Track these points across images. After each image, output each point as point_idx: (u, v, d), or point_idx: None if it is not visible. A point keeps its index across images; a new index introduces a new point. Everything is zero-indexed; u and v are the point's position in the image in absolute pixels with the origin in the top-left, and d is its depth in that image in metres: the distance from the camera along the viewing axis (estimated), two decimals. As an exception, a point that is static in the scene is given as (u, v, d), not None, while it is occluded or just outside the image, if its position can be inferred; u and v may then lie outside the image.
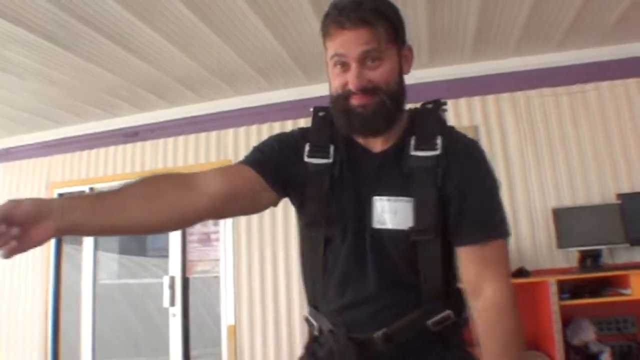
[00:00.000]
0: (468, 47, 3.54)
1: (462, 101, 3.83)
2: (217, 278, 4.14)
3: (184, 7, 2.79)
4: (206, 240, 4.26)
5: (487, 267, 1.16)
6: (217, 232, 4.20)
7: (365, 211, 1.19)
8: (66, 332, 4.62)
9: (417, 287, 1.19)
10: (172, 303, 4.18)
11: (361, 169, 1.23)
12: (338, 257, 1.22)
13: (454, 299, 1.23)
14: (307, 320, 1.33)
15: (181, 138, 4.45)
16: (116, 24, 2.93)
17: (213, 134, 4.33)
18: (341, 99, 1.18)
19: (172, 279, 4.22)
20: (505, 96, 3.80)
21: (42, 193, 4.99)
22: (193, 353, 4.18)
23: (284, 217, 3.98)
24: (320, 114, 1.30)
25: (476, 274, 1.17)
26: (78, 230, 1.00)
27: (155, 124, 4.47)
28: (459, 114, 3.81)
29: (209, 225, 4.27)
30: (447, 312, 1.19)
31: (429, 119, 1.24)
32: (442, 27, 3.25)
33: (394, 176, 1.20)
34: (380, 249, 1.19)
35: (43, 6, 2.71)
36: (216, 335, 4.07)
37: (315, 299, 1.30)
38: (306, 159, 1.25)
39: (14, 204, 0.90)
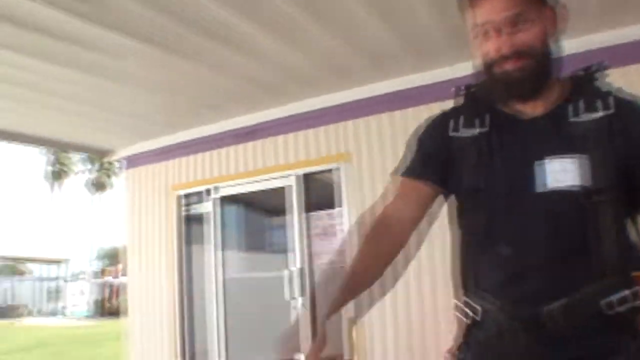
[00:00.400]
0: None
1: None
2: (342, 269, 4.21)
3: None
4: (330, 232, 4.35)
5: None
6: (341, 223, 4.27)
7: (530, 175, 1.17)
8: (196, 323, 4.98)
9: (589, 258, 1.13)
10: (294, 295, 4.31)
11: (518, 134, 1.22)
12: (501, 225, 1.20)
13: (631, 277, 1.16)
14: (465, 304, 1.30)
15: (300, 134, 4.55)
16: (220, 23, 3.00)
17: (331, 127, 4.38)
18: (494, 66, 1.20)
19: (293, 272, 4.35)
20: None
21: (163, 195, 5.35)
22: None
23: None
24: (461, 91, 1.33)
25: None
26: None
27: (271, 121, 4.61)
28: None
29: (333, 217, 4.36)
30: (626, 292, 1.13)
31: (595, 82, 1.23)
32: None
33: (559, 138, 1.18)
34: (549, 213, 1.16)
35: (147, 16, 2.85)
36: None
37: (476, 279, 1.27)
38: (452, 134, 1.29)
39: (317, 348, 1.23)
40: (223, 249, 4.98)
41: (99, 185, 35.09)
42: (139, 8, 2.76)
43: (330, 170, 4.40)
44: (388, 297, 3.86)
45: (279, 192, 4.63)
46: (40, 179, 36.93)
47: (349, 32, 3.25)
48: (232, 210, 5.21)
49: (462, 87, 1.34)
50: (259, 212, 5.26)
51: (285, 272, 4.42)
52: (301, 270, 4.36)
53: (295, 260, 4.42)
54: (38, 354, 12.42)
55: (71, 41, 3.09)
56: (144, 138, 5.37)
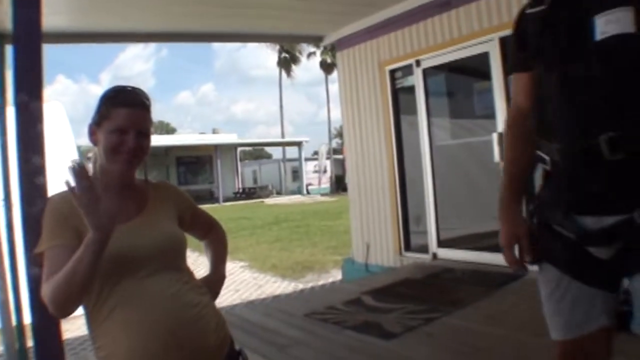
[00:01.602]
0: None
1: None
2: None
3: None
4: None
5: None
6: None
7: (590, 27, 1.36)
8: (412, 182, 5.67)
9: None
10: (503, 157, 4.58)
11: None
12: (570, 77, 1.41)
13: None
14: (539, 158, 1.53)
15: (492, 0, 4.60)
16: None
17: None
18: None
19: (500, 135, 4.59)
20: None
21: (372, 72, 5.90)
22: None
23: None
24: None
25: None
26: None
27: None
28: None
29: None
30: None
31: None
32: None
33: None
34: (611, 57, 1.34)
35: None
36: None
37: (551, 132, 1.49)
38: (527, 11, 1.53)
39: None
40: (430, 118, 5.42)
41: (327, 66, 37.46)
42: None
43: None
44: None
45: (481, 57, 4.80)
46: (274, 69, 40.50)
47: None
48: (438, 80, 5.55)
49: None
50: (463, 79, 5.51)
51: (494, 135, 4.68)
52: (500, 134, 4.56)
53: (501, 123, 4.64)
54: (285, 226, 14.77)
55: None
56: (350, 21, 5.89)
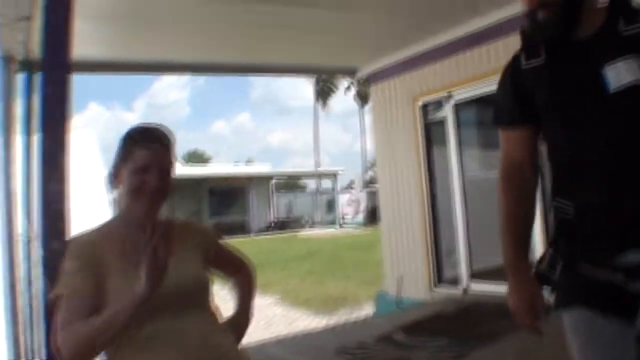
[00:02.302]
0: None
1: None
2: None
3: None
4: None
5: None
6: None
7: (600, 79, 1.43)
8: (444, 214, 5.76)
9: None
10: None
11: (580, 53, 1.49)
12: (583, 129, 1.47)
13: None
14: (556, 207, 1.57)
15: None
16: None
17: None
18: (530, 14, 1.50)
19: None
20: None
21: (405, 105, 6.05)
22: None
23: None
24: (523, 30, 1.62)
25: None
26: None
27: (496, 24, 4.81)
28: None
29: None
30: None
31: (629, 1, 1.50)
32: None
33: (614, 47, 1.44)
34: (623, 108, 1.42)
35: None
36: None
37: (565, 184, 1.55)
38: (524, 66, 1.58)
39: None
40: (461, 152, 5.56)
41: (363, 98, 38.02)
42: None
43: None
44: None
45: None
46: (310, 100, 41.39)
47: None
48: (469, 113, 5.68)
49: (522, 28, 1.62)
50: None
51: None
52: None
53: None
54: (317, 259, 14.77)
55: None
56: (382, 55, 6.10)
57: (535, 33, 1.55)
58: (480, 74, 5.17)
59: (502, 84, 1.68)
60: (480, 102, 5.48)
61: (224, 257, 1.72)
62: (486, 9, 4.80)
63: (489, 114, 5.40)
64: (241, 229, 26.94)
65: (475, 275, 5.43)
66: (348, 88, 39.99)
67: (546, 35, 1.53)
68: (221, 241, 1.74)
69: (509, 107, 1.65)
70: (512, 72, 1.64)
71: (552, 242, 1.62)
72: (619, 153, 1.43)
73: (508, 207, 1.66)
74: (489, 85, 5.14)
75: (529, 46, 1.60)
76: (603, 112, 1.45)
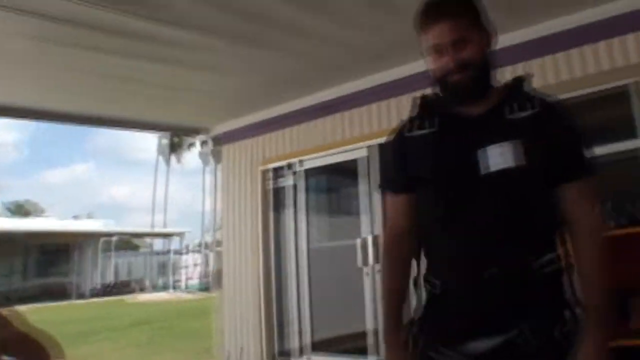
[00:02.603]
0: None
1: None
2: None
3: None
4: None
5: (582, 200, 1.50)
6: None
7: (474, 160, 1.51)
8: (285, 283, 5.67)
9: (524, 227, 1.49)
10: (365, 263, 4.77)
11: (463, 130, 1.57)
12: (451, 208, 1.54)
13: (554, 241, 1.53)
14: (426, 281, 1.65)
15: (373, 106, 4.94)
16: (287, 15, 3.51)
17: (404, 98, 4.59)
18: (444, 78, 1.57)
19: (365, 240, 4.80)
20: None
21: (249, 170, 6.07)
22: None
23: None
24: (417, 101, 1.71)
25: (572, 206, 1.50)
26: None
27: (348, 95, 5.03)
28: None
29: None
30: (551, 255, 1.51)
31: (523, 87, 1.61)
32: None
33: (497, 130, 1.53)
34: (493, 191, 1.49)
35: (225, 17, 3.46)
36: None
37: (434, 259, 1.63)
38: (407, 134, 1.65)
39: None
40: (296, 220, 5.59)
41: (214, 157, 37.41)
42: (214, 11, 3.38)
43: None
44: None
45: (352, 163, 5.12)
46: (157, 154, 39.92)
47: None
48: (312, 182, 5.74)
49: (418, 98, 1.71)
50: (335, 183, 5.78)
51: (357, 241, 4.90)
52: (375, 238, 4.81)
53: (367, 228, 4.91)
54: (146, 329, 13.53)
55: (162, 43, 3.82)
56: (233, 116, 6.09)
57: (451, 96, 1.59)
58: (324, 144, 5.30)
59: (388, 149, 1.74)
60: (328, 170, 5.58)
61: (15, 341, 1.53)
62: (339, 81, 4.96)
63: (337, 183, 5.59)
64: (62, 293, 24.69)
65: (316, 346, 5.35)
66: (198, 145, 39.15)
67: (461, 100, 1.59)
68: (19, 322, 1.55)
69: (393, 174, 1.72)
70: (398, 139, 1.69)
71: (419, 318, 1.65)
72: (484, 238, 1.48)
73: (384, 281, 1.74)
74: (331, 156, 5.31)
75: (419, 115, 1.65)
76: (474, 193, 1.50)
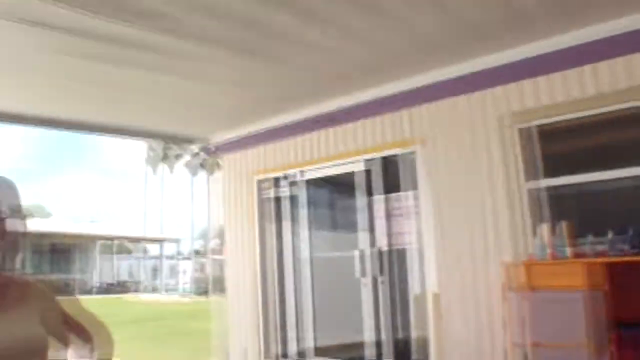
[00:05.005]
0: None
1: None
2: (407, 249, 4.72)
3: None
4: (397, 214, 4.86)
5: None
6: (416, 205, 4.70)
7: None
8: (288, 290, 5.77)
9: None
10: (363, 274, 4.85)
11: None
12: None
13: None
14: None
15: (368, 121, 5.03)
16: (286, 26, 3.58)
17: (404, 113, 4.77)
18: None
19: (362, 251, 4.89)
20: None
21: (246, 180, 6.19)
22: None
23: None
24: None
25: None
26: None
27: (346, 108, 5.08)
28: None
29: (400, 200, 4.88)
30: None
31: None
32: None
33: None
34: None
35: (224, 26, 3.52)
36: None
37: None
38: None
39: None
40: (293, 231, 5.71)
41: (210, 167, 37.66)
42: (214, 23, 3.46)
43: (395, 156, 4.89)
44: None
45: (350, 176, 5.21)
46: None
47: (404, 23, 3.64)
48: (310, 193, 5.81)
49: None
50: (333, 195, 5.86)
51: (355, 252, 4.98)
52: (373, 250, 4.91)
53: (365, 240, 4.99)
54: (148, 326, 14.08)
55: (164, 54, 3.90)
56: (231, 127, 6.15)
57: None
58: (321, 157, 5.39)
59: None
60: (326, 182, 5.66)
61: (59, 324, 1.63)
62: (337, 93, 5.00)
63: (328, 195, 5.65)
64: (64, 288, 25.09)
65: (319, 351, 5.44)
66: (187, 156, 39.25)
67: None
68: (70, 304, 1.69)
69: None
70: None
71: None
72: None
73: None
74: (328, 169, 5.40)
75: None
76: None
